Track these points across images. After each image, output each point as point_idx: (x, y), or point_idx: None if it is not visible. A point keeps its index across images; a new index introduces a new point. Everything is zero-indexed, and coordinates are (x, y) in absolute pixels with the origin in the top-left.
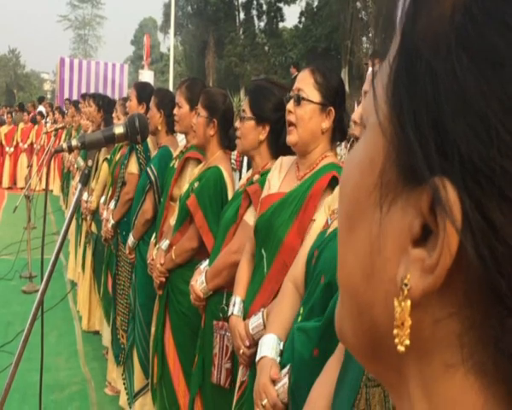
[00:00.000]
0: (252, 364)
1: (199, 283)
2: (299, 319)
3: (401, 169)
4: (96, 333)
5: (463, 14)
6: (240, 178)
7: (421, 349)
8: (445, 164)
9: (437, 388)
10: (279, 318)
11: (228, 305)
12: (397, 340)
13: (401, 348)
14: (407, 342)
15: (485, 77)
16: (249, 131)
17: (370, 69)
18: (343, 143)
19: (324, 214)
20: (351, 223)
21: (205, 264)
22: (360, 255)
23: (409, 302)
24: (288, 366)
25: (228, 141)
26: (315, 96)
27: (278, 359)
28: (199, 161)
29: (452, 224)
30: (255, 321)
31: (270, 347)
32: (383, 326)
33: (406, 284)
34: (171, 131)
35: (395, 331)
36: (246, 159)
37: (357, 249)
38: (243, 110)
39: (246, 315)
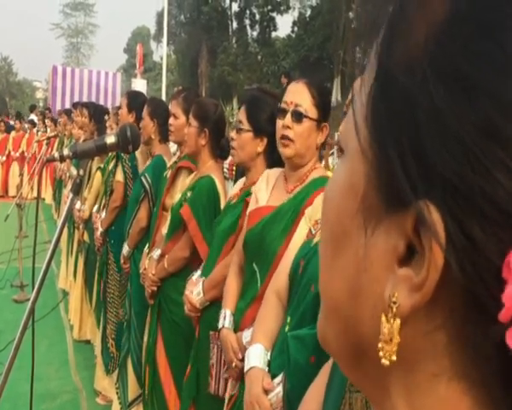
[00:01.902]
0: (242, 377)
1: (195, 294)
2: (287, 328)
3: (383, 194)
4: (88, 342)
5: (435, 43)
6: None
7: (405, 362)
8: (427, 187)
9: (421, 398)
10: (264, 328)
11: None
12: (381, 354)
13: (386, 362)
14: (394, 357)
15: (459, 102)
16: (247, 143)
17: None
18: (336, 154)
19: (305, 225)
20: (335, 246)
21: (196, 275)
22: (346, 277)
23: (398, 321)
24: (280, 375)
25: (219, 150)
26: (313, 112)
27: (266, 369)
28: (190, 171)
29: (438, 243)
30: (249, 335)
31: (258, 357)
32: (369, 340)
33: (395, 302)
34: (164, 140)
35: (380, 345)
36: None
37: (342, 271)
38: (240, 121)
39: (237, 328)
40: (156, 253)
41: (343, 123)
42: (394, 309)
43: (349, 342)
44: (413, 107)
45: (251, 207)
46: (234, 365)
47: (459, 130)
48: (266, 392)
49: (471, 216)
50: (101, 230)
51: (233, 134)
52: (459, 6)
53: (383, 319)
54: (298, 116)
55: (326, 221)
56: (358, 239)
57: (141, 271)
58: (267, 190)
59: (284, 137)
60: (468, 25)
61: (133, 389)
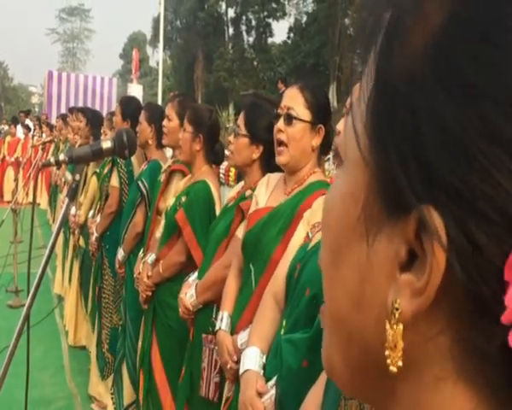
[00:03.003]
0: (237, 379)
1: (188, 296)
2: (282, 331)
3: (384, 200)
4: (83, 348)
5: (434, 48)
6: None
7: (411, 367)
8: (429, 191)
9: (430, 402)
10: (260, 331)
11: (217, 319)
12: (389, 361)
13: (393, 369)
14: (400, 363)
15: (461, 107)
16: (243, 148)
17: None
18: (331, 159)
19: (303, 229)
20: (336, 256)
21: (193, 277)
22: (349, 286)
23: (401, 326)
24: (274, 378)
25: (214, 156)
26: (306, 114)
27: (262, 372)
28: (184, 174)
29: (440, 246)
30: (244, 337)
31: (253, 360)
32: (375, 349)
33: (397, 308)
34: (160, 145)
35: (387, 353)
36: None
37: (345, 280)
38: (238, 126)
39: (233, 330)
40: (150, 257)
41: (341, 134)
42: (397, 315)
43: (354, 355)
44: (413, 112)
45: (251, 209)
46: (229, 367)
47: (460, 133)
48: (260, 395)
49: (473, 219)
50: (95, 235)
51: (231, 138)
52: (457, 8)
53: (387, 326)
54: (289, 119)
55: (327, 231)
56: (360, 248)
57: (135, 275)
58: (267, 193)
59: (278, 142)
60: (466, 27)
61: (128, 394)
